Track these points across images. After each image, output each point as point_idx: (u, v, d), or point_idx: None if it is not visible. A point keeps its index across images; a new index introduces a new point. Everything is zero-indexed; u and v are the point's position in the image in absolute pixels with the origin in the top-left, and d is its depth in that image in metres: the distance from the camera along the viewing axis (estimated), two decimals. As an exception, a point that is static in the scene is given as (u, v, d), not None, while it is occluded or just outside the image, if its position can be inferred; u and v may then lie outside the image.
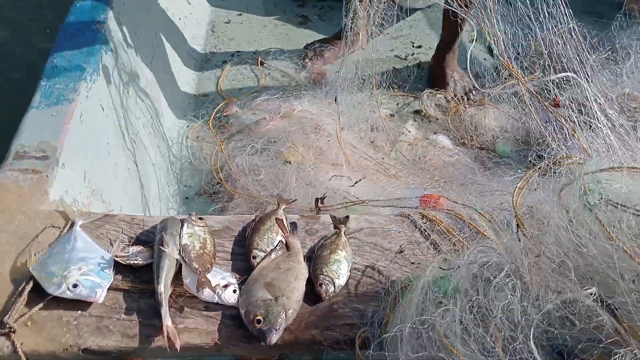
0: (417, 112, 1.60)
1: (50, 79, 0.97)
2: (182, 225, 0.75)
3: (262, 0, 1.96)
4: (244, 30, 1.80)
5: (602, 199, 0.69)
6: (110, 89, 1.07)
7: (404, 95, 1.64)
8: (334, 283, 0.72)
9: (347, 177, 1.23)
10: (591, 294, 0.53)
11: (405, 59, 1.79)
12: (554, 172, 0.83)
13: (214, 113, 1.41)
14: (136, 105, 1.19)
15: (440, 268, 0.64)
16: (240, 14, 1.87)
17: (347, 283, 0.74)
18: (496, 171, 1.35)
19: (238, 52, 1.72)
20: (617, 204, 0.64)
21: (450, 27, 1.57)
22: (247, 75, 1.64)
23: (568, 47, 1.67)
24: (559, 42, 1.70)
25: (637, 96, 1.24)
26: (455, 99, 1.59)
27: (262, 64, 1.67)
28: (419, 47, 1.84)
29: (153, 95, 1.33)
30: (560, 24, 1.73)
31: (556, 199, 0.72)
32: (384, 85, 1.66)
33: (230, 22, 1.83)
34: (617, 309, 0.53)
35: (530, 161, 1.20)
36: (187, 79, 1.57)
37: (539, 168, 0.82)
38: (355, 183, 1.17)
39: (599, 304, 0.53)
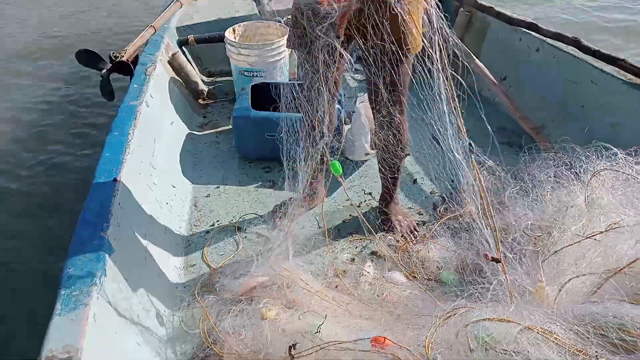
0: (373, 253, 1.88)
1: (68, 288, 1.24)
2: None
3: (236, 172, 2.33)
4: (222, 201, 2.14)
5: (483, 342, 0.95)
6: (115, 286, 1.35)
7: (360, 239, 1.94)
8: None
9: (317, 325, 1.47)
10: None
11: (360, 206, 2.12)
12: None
13: (199, 284, 1.68)
14: (135, 292, 1.46)
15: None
16: (218, 187, 2.23)
17: None
18: (445, 299, 1.60)
19: (218, 221, 2.03)
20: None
21: (385, 181, 1.91)
22: (227, 241, 1.93)
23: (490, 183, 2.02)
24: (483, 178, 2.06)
25: (541, 225, 1.53)
26: (402, 238, 1.89)
27: (239, 229, 1.98)
28: (370, 193, 2.17)
29: (147, 275, 1.61)
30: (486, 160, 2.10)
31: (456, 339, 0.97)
32: (344, 232, 1.97)
33: (210, 196, 2.17)
34: None
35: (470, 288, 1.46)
36: (176, 252, 1.86)
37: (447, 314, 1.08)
38: (319, 328, 1.40)
39: None
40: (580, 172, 1.66)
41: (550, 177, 1.77)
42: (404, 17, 1.53)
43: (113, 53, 2.54)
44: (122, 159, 1.76)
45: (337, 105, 2.42)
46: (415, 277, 1.73)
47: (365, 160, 2.38)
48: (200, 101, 2.88)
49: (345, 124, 2.47)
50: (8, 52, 4.52)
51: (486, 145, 2.45)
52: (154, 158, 2.04)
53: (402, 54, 1.56)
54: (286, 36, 2.65)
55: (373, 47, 1.51)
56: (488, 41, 2.85)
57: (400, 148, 1.82)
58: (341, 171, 1.61)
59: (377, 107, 1.71)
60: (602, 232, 1.23)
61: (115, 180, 1.63)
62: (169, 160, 2.24)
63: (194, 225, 2.01)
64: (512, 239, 1.56)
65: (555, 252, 1.25)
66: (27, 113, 3.68)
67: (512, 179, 1.93)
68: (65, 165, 3.14)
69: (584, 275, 1.12)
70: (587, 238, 1.23)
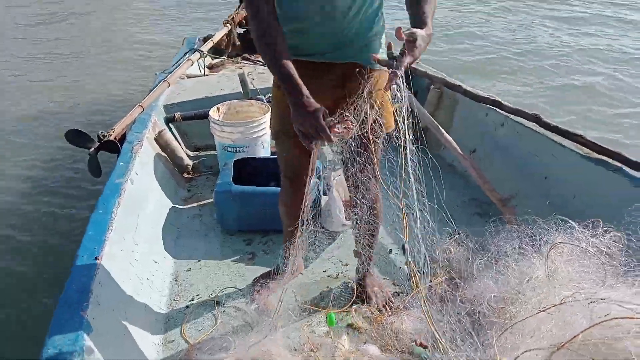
0: (349, 325, 1.92)
1: (46, 368, 1.28)
2: None
3: (218, 245, 2.40)
4: (203, 275, 2.19)
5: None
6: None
7: (337, 311, 1.98)
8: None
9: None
10: None
11: (337, 277, 2.18)
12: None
13: (177, 362, 1.71)
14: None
15: None
16: (199, 260, 2.28)
17: None
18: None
19: (198, 295, 2.08)
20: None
21: (360, 256, 1.99)
22: (206, 316, 1.96)
23: (460, 253, 2.10)
24: (453, 250, 2.14)
25: (505, 297, 1.60)
26: (377, 309, 1.95)
27: (218, 303, 2.03)
28: (347, 264, 2.24)
29: (126, 354, 1.63)
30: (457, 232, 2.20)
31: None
32: (321, 304, 2.02)
33: (191, 270, 2.23)
34: None
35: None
36: (155, 329, 1.88)
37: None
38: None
39: None
40: (540, 244, 1.76)
41: (514, 248, 1.86)
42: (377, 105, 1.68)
43: (101, 132, 2.66)
44: (105, 237, 1.83)
45: (315, 179, 2.55)
46: (389, 349, 1.77)
47: (343, 232, 2.46)
48: (185, 175, 2.99)
49: (324, 194, 2.58)
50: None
51: (459, 215, 2.57)
52: (136, 234, 2.11)
53: (375, 136, 1.68)
54: (268, 114, 2.81)
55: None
56: (458, 116, 3.03)
57: (374, 220, 1.90)
58: (335, 322, 1.82)
59: (352, 180, 1.81)
60: (555, 305, 1.31)
61: (96, 259, 1.69)
62: (152, 235, 2.31)
63: (174, 300, 2.05)
64: (479, 312, 1.64)
65: (511, 327, 1.31)
66: (13, 195, 3.74)
67: (481, 249, 2.02)
68: (50, 245, 3.19)
69: (537, 349, 1.18)
70: (541, 312, 1.30)
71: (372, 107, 1.56)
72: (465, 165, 2.61)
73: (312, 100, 1.39)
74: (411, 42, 1.31)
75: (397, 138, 1.58)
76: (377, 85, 1.70)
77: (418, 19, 1.40)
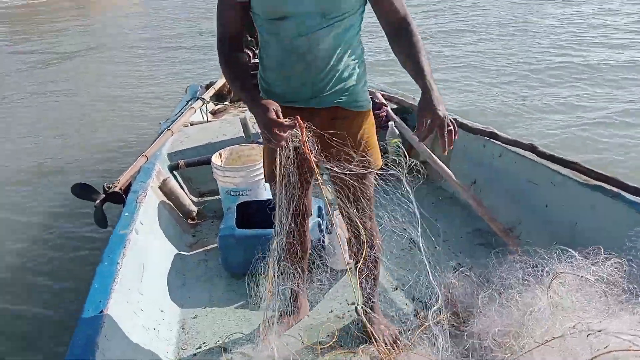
0: (357, 366, 1.91)
1: None
2: None
3: (223, 290, 2.41)
4: (209, 321, 2.19)
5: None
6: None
7: (344, 352, 1.97)
8: None
9: None
10: None
11: (343, 317, 2.17)
12: None
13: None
14: None
15: None
16: (205, 307, 2.29)
17: None
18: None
19: (205, 343, 2.08)
20: None
21: (365, 290, 1.99)
22: (213, 365, 1.97)
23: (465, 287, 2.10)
24: (457, 283, 2.14)
25: (509, 331, 1.60)
26: (385, 348, 1.93)
27: (225, 350, 2.02)
28: (353, 304, 2.23)
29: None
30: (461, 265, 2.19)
31: None
32: (328, 345, 2.01)
33: (197, 317, 2.23)
34: None
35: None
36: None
37: None
38: None
39: None
40: (543, 274, 1.76)
41: (518, 279, 1.86)
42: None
43: (107, 184, 2.73)
44: (110, 289, 1.86)
45: (317, 218, 2.57)
46: (397, 390, 1.76)
47: (348, 269, 2.46)
48: (190, 221, 3.03)
49: (328, 233, 2.60)
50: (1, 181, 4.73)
51: (463, 246, 2.58)
52: (142, 284, 2.13)
53: (363, 174, 1.71)
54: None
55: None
56: (456, 149, 3.04)
57: (374, 255, 1.91)
58: None
59: (348, 216, 1.83)
60: (558, 338, 1.30)
61: (102, 312, 1.72)
62: (158, 284, 2.33)
63: (181, 349, 2.05)
64: (484, 347, 1.63)
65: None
66: (20, 244, 3.80)
67: (485, 282, 2.02)
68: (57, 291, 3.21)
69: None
70: (544, 345, 1.30)
71: (358, 146, 1.61)
72: (466, 197, 2.63)
73: (265, 102, 1.50)
74: (439, 128, 1.40)
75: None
76: (362, 126, 1.76)
77: (421, 83, 1.45)
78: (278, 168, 1.59)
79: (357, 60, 1.67)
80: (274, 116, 1.46)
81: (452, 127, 1.41)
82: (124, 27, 13.78)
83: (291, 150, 1.55)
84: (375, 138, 1.84)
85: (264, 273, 2.27)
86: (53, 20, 15.15)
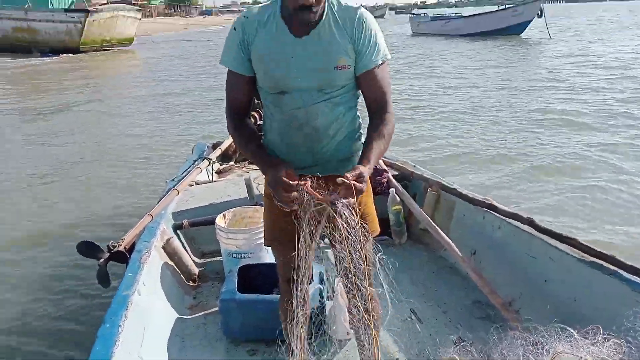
0: None
1: None
2: None
3: (222, 356, 2.39)
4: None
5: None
6: None
7: None
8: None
9: None
10: None
11: (343, 389, 2.15)
12: None
13: None
14: None
15: None
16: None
17: None
18: None
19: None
20: None
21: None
22: None
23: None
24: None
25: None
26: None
27: None
28: (353, 375, 2.22)
29: None
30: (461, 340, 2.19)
31: None
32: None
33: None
34: None
35: None
36: None
37: None
38: None
39: None
40: (543, 352, 1.77)
41: (519, 357, 1.86)
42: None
43: (111, 243, 2.76)
44: (111, 352, 1.86)
45: (319, 285, 2.59)
46: None
47: (349, 339, 2.46)
48: (191, 283, 3.04)
49: (329, 300, 2.60)
50: (4, 241, 4.74)
51: (462, 318, 2.58)
52: (142, 348, 2.12)
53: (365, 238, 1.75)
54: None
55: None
56: (456, 219, 3.12)
57: (374, 320, 1.92)
58: None
59: (348, 283, 1.85)
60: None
61: (102, 378, 1.71)
62: (158, 348, 2.31)
63: None
64: None
65: None
66: (23, 306, 3.77)
67: (487, 357, 2.02)
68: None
69: None
70: None
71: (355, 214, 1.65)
72: (466, 268, 2.66)
73: (277, 162, 1.59)
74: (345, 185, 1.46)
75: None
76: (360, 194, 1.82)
77: (365, 157, 1.59)
78: (302, 228, 1.60)
79: (354, 133, 1.78)
80: (284, 176, 1.52)
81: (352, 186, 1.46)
82: (128, 85, 14.24)
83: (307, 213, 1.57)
84: (373, 207, 1.91)
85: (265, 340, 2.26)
86: (57, 79, 15.61)
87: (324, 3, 1.62)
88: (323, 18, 1.62)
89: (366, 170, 1.52)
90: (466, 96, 10.81)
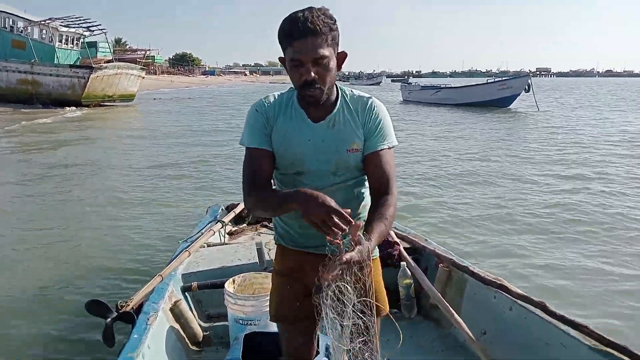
0: None
1: None
2: None
3: None
4: None
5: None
6: None
7: None
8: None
9: None
10: None
11: None
12: None
13: None
14: None
15: None
16: None
17: None
18: None
19: None
20: None
21: None
22: None
23: None
24: None
25: None
26: None
27: None
28: None
29: None
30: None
31: None
32: None
33: None
34: None
35: None
36: None
37: None
38: None
39: None
40: None
41: None
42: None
43: (120, 302, 2.77)
44: None
45: (325, 359, 2.53)
46: None
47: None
48: (196, 347, 3.00)
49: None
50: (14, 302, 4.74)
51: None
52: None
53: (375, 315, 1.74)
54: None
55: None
56: (467, 296, 3.08)
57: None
58: None
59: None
60: None
61: None
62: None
63: None
64: None
65: None
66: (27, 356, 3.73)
67: None
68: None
69: None
70: None
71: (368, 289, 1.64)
72: (475, 349, 2.60)
73: (312, 192, 1.52)
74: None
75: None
76: (371, 272, 1.83)
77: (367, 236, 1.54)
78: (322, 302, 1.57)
79: (362, 209, 1.81)
80: (335, 204, 1.48)
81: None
82: (142, 144, 14.52)
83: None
84: (382, 285, 1.91)
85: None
86: (63, 137, 15.81)
87: (337, 92, 1.77)
88: (337, 106, 1.76)
89: (369, 245, 1.50)
90: (439, 162, 11.31)
